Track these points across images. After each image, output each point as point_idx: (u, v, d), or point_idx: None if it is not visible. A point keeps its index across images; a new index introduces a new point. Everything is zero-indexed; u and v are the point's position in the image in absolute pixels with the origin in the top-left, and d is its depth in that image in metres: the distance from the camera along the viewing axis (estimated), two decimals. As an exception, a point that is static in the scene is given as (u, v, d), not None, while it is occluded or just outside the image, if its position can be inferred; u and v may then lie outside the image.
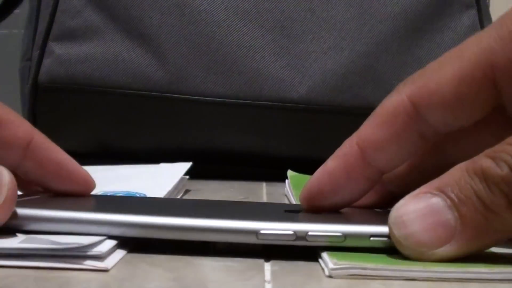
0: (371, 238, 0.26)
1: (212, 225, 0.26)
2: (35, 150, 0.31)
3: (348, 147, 0.29)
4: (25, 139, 0.30)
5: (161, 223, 0.27)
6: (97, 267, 0.24)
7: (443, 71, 0.27)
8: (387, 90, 0.53)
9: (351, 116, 0.52)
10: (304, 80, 0.52)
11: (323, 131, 0.53)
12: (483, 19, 0.55)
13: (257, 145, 0.54)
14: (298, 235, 0.26)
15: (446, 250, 0.25)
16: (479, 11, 0.55)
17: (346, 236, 0.26)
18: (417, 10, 0.54)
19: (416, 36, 0.54)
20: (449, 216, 0.25)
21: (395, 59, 0.53)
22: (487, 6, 0.57)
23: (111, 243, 0.26)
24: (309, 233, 0.26)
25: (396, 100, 0.28)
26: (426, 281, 0.24)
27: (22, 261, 0.24)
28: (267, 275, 0.25)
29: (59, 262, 0.24)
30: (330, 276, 0.25)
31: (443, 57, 0.28)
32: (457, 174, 0.25)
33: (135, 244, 0.28)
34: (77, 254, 0.25)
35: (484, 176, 0.24)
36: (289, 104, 0.52)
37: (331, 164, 0.29)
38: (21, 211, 0.27)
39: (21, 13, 0.63)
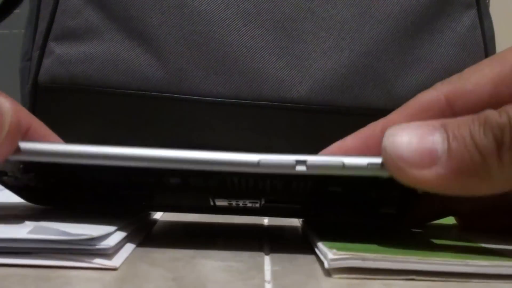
0: (369, 166, 0.26)
1: (216, 157, 0.26)
2: (32, 138, 0.31)
3: (372, 130, 0.29)
4: (23, 126, 0.30)
5: (164, 154, 0.27)
6: (106, 265, 0.24)
7: (482, 72, 0.28)
8: (388, 90, 0.54)
9: (351, 116, 0.52)
10: (304, 80, 0.52)
11: (323, 131, 0.53)
12: (483, 19, 0.55)
13: (257, 145, 0.54)
14: (299, 162, 0.26)
15: (426, 174, 0.25)
16: (479, 11, 0.55)
17: (345, 164, 0.26)
18: (417, 10, 0.54)
19: (416, 36, 0.54)
20: (439, 145, 0.25)
21: (395, 59, 0.53)
22: (487, 6, 0.57)
23: (121, 235, 0.26)
24: (309, 161, 0.26)
25: (431, 95, 0.29)
26: (425, 281, 0.24)
27: (29, 259, 0.24)
28: (267, 275, 0.25)
29: (67, 260, 0.24)
30: (329, 271, 0.25)
31: (483, 61, 0.28)
32: (464, 117, 0.26)
33: (143, 238, 0.28)
34: (86, 248, 0.25)
35: (484, 122, 0.25)
36: (289, 104, 0.52)
37: (350, 142, 0.30)
38: (25, 144, 0.26)
39: (21, 13, 0.63)
